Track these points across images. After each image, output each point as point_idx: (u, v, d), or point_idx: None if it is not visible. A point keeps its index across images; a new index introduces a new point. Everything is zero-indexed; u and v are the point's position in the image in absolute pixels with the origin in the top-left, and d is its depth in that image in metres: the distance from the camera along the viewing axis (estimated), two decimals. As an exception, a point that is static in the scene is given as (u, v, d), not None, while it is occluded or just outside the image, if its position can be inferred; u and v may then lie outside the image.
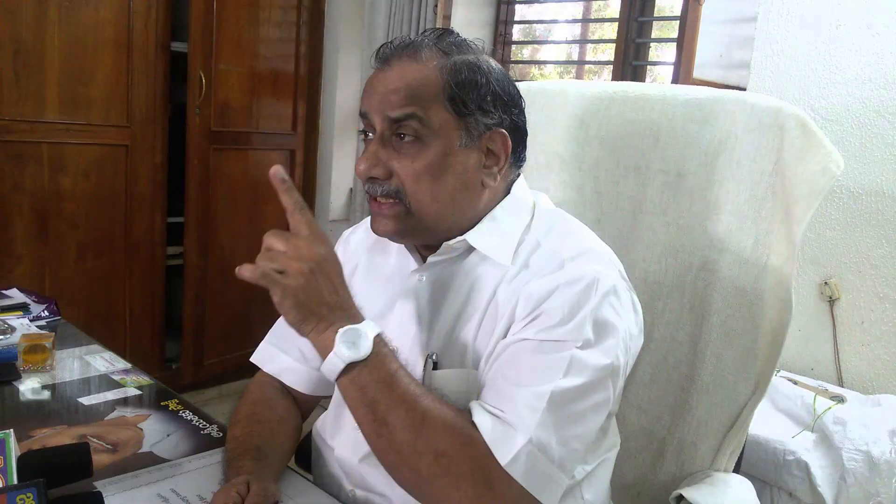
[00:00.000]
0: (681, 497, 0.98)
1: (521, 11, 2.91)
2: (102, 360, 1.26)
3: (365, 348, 0.75)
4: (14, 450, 0.77)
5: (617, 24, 2.47)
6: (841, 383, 1.75)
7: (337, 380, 0.77)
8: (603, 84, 1.24)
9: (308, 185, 3.11)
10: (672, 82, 2.12)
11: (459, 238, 0.88)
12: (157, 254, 2.65)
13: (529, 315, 0.81)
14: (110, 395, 1.13)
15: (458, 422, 0.76)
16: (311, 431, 1.06)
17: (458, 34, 0.89)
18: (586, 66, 3.27)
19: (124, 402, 1.11)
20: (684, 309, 1.12)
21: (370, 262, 1.01)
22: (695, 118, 1.11)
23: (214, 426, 1.04)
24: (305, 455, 1.07)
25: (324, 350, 0.76)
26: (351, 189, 3.10)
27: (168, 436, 1.01)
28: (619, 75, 2.45)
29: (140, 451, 0.96)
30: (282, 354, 1.04)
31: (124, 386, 1.17)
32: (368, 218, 0.92)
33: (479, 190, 0.88)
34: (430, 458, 0.74)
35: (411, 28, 2.67)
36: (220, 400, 2.82)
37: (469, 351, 0.86)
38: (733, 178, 1.08)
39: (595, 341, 0.79)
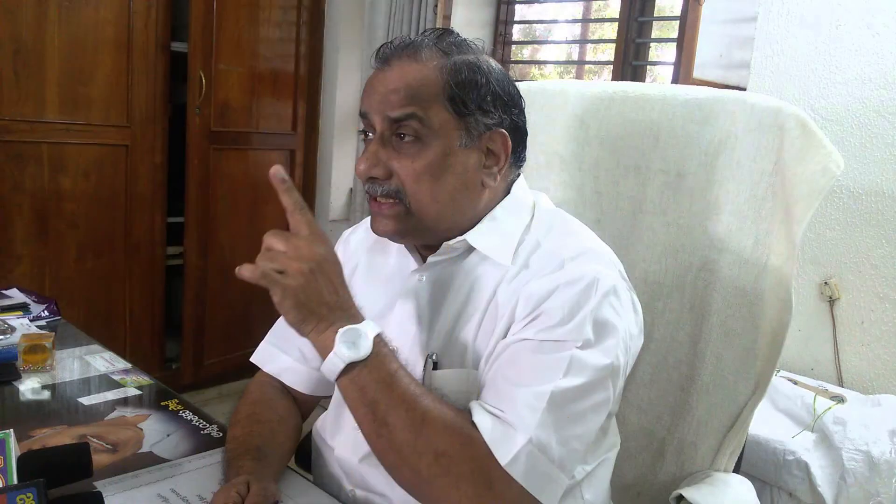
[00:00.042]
0: (681, 497, 0.98)
1: (521, 11, 2.91)
2: (102, 360, 1.26)
3: (365, 348, 0.75)
4: (14, 450, 0.77)
5: (617, 24, 2.47)
6: (841, 383, 1.75)
7: (337, 380, 0.77)
8: (603, 84, 1.24)
9: (308, 185, 3.11)
10: (672, 82, 2.12)
11: (459, 238, 0.88)
12: (157, 254, 2.65)
13: (529, 315, 0.81)
14: (110, 395, 1.13)
15: (458, 422, 0.76)
16: (311, 431, 1.06)
17: (458, 34, 0.89)
18: (586, 66, 3.27)
19: (124, 402, 1.11)
20: (684, 309, 1.12)
21: (370, 262, 1.01)
22: (695, 118, 1.11)
23: (214, 426, 1.04)
24: (305, 455, 1.07)
25: (324, 350, 0.76)
26: (351, 189, 3.10)
27: (168, 436, 1.01)
28: (619, 75, 2.45)
29: (140, 451, 0.96)
30: (282, 354, 1.04)
31: (124, 386, 1.17)
32: (368, 218, 0.92)
33: (479, 190, 0.88)
34: (430, 458, 0.74)
35: (411, 28, 2.67)
36: (220, 400, 2.82)
37: (469, 351, 0.86)
38: (733, 178, 1.08)
39: (595, 341, 0.79)
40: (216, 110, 2.67)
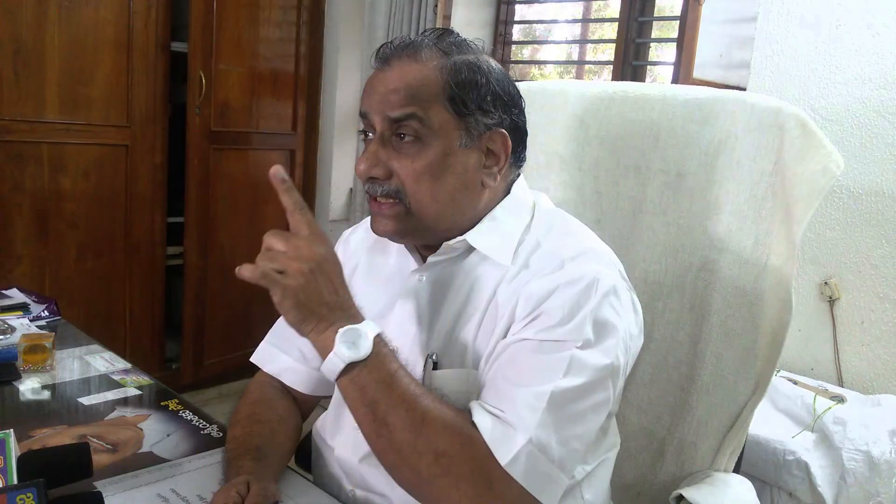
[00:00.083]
0: (681, 497, 0.98)
1: (521, 11, 2.91)
2: (102, 360, 1.26)
3: (365, 348, 0.75)
4: (14, 450, 0.77)
5: (617, 24, 2.47)
6: (841, 383, 1.75)
7: (337, 380, 0.77)
8: (603, 84, 1.24)
9: (308, 185, 3.11)
10: (672, 82, 2.12)
11: (459, 238, 0.88)
12: (157, 254, 2.65)
13: (529, 315, 0.81)
14: (110, 395, 1.13)
15: (458, 422, 0.76)
16: (311, 431, 1.06)
17: (458, 34, 0.89)
18: (586, 66, 3.27)
19: (124, 402, 1.11)
20: (684, 309, 1.12)
21: (370, 262, 1.01)
22: (695, 118, 1.11)
23: (214, 426, 1.04)
24: (305, 455, 1.07)
25: (324, 350, 0.76)
26: (351, 189, 3.10)
27: (168, 436, 1.01)
28: (619, 75, 2.45)
29: (140, 451, 0.96)
30: (282, 354, 1.04)
31: (124, 386, 1.17)
32: (368, 218, 0.92)
33: (479, 190, 0.88)
34: (430, 458, 0.74)
35: (411, 28, 2.67)
36: (220, 400, 2.82)
37: (469, 351, 0.86)
38: (733, 178, 1.08)
39: (595, 341, 0.79)
40: (216, 110, 2.67)
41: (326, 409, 1.04)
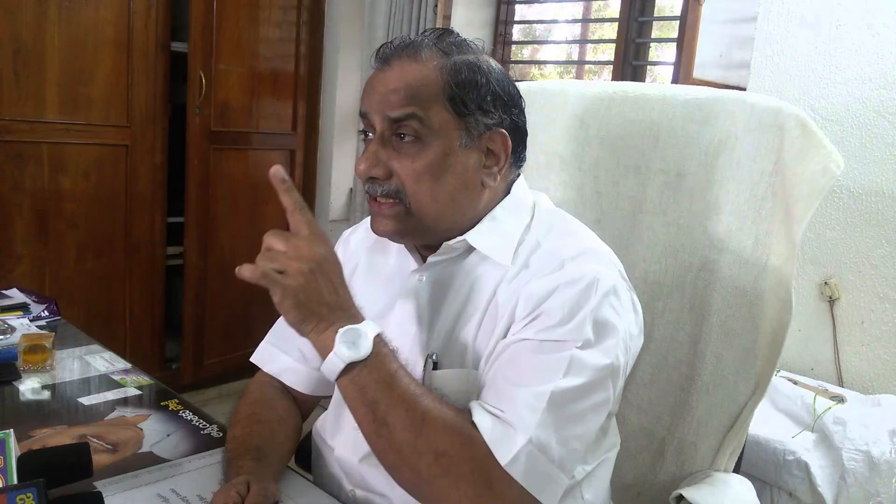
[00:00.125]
0: (681, 497, 0.98)
1: (521, 11, 2.91)
2: (102, 360, 1.26)
3: (365, 348, 0.75)
4: (14, 450, 0.77)
5: (617, 24, 2.47)
6: (841, 383, 1.75)
7: (337, 380, 0.77)
8: (603, 84, 1.24)
9: (308, 185, 3.11)
10: (672, 82, 2.12)
11: (459, 238, 0.88)
12: (157, 254, 2.65)
13: (529, 315, 0.81)
14: (110, 395, 1.13)
15: (458, 422, 0.76)
16: (311, 431, 1.06)
17: (458, 34, 0.89)
18: (586, 66, 3.27)
19: (124, 402, 1.11)
20: (684, 309, 1.12)
21: (370, 262, 1.01)
22: (695, 118, 1.11)
23: (214, 426, 1.04)
24: (305, 455, 1.07)
25: (324, 350, 0.76)
26: (351, 189, 3.10)
27: (168, 436, 1.01)
28: (619, 75, 2.45)
29: (140, 451, 0.96)
30: (282, 354, 1.04)
31: (124, 386, 1.17)
32: (368, 218, 0.92)
33: (479, 190, 0.88)
34: (430, 458, 0.74)
35: (411, 28, 2.67)
36: (220, 400, 2.82)
37: (469, 351, 0.86)
38: (733, 178, 1.08)
39: (595, 341, 0.79)
40: (216, 110, 2.67)
41: (326, 409, 1.04)
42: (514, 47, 3.01)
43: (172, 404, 1.11)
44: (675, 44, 2.15)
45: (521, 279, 0.84)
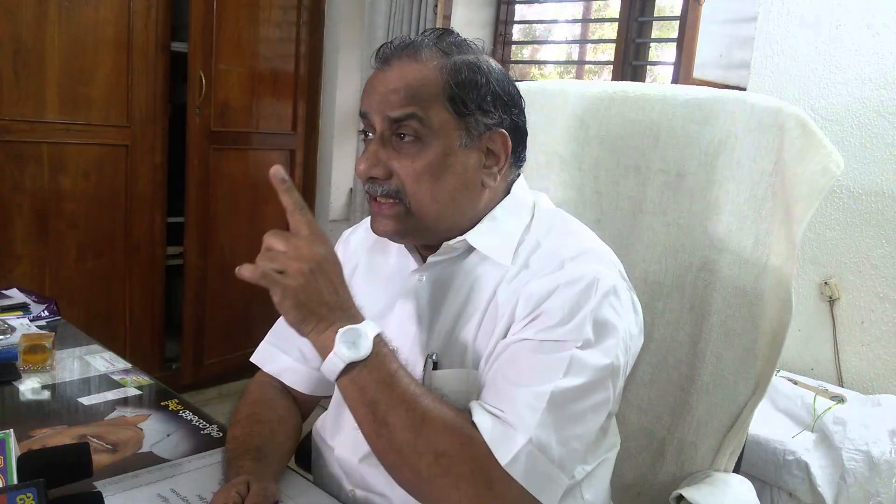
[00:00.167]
0: (681, 497, 0.98)
1: (521, 11, 2.91)
2: (102, 360, 1.26)
3: (365, 348, 0.75)
4: (14, 450, 0.77)
5: (617, 24, 2.47)
6: (841, 383, 1.75)
7: (337, 380, 0.77)
8: (603, 84, 1.24)
9: (308, 185, 3.11)
10: (672, 82, 2.12)
11: (459, 238, 0.88)
12: (157, 254, 2.65)
13: (529, 315, 0.81)
14: (110, 395, 1.13)
15: (458, 422, 0.76)
16: (311, 431, 1.06)
17: (458, 34, 0.89)
18: (586, 66, 3.27)
19: (124, 402, 1.11)
20: (684, 309, 1.12)
21: (370, 262, 1.01)
22: (695, 118, 1.11)
23: (214, 426, 1.04)
24: (305, 455, 1.07)
25: (324, 350, 0.76)
26: (351, 189, 3.10)
27: (168, 436, 1.01)
28: (619, 75, 2.45)
29: (140, 451, 0.96)
30: (282, 354, 1.04)
31: (124, 386, 1.17)
32: (368, 218, 0.92)
33: (479, 190, 0.88)
34: (430, 458, 0.74)
35: (411, 28, 2.67)
36: (220, 400, 2.82)
37: (469, 351, 0.86)
38: (733, 178, 1.08)
39: (595, 341, 0.79)
40: (216, 110, 2.67)
41: (326, 409, 1.04)
42: (514, 47, 3.01)
43: (172, 404, 1.11)
44: (675, 44, 2.15)
45: (521, 279, 0.84)
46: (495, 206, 0.91)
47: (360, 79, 3.01)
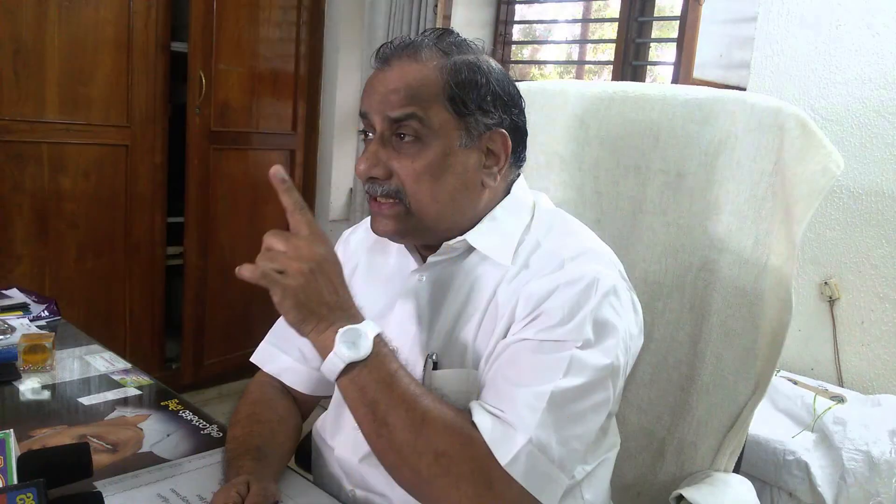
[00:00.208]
0: (681, 497, 0.98)
1: (521, 11, 2.91)
2: (102, 360, 1.26)
3: (365, 348, 0.75)
4: (14, 450, 0.77)
5: (617, 24, 2.47)
6: (841, 383, 1.75)
7: (337, 380, 0.77)
8: (603, 84, 1.24)
9: (308, 185, 3.11)
10: (672, 82, 2.12)
11: (459, 238, 0.88)
12: (157, 254, 2.65)
13: (529, 315, 0.81)
14: (110, 395, 1.13)
15: (458, 422, 0.76)
16: (311, 431, 1.06)
17: (458, 34, 0.89)
18: (586, 66, 3.27)
19: (124, 402, 1.11)
20: (684, 309, 1.12)
21: (370, 262, 1.01)
22: (695, 118, 1.11)
23: (214, 426, 1.04)
24: (305, 455, 1.07)
25: (324, 350, 0.76)
26: (351, 189, 3.10)
27: (168, 436, 1.01)
28: (619, 75, 2.45)
29: (140, 451, 0.96)
30: (282, 354, 1.04)
31: (124, 386, 1.17)
32: (368, 218, 0.92)
33: (479, 190, 0.88)
34: (430, 458, 0.74)
35: (411, 28, 2.67)
36: (220, 400, 2.82)
37: (469, 351, 0.86)
38: (733, 178, 1.08)
39: (595, 341, 0.79)
40: (216, 110, 2.67)
41: (326, 409, 1.04)
42: (514, 47, 3.01)
43: (172, 404, 1.11)
44: (675, 44, 2.15)
45: (521, 279, 0.84)
46: (495, 206, 0.91)
47: (360, 79, 3.01)
